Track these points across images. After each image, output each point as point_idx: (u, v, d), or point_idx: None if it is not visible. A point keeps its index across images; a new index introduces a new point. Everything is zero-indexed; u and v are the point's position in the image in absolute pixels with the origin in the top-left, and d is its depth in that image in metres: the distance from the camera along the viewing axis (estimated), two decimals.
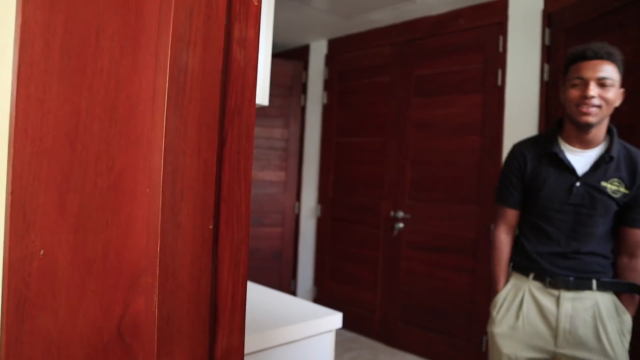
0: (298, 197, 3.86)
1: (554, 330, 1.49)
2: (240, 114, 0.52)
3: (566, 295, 1.49)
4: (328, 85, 3.70)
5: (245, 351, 1.09)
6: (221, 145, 0.50)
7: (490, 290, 2.68)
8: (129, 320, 0.46)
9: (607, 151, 1.47)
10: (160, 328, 0.46)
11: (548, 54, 2.48)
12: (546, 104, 2.47)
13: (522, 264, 1.60)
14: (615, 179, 1.46)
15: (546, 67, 2.48)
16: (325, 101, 3.72)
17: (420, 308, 3.06)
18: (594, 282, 1.47)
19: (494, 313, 1.62)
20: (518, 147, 1.65)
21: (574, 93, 1.46)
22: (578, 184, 1.48)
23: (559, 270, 1.50)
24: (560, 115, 2.26)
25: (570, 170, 1.50)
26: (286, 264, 3.82)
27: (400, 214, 3.15)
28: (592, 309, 1.47)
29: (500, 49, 2.71)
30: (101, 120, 0.44)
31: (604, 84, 1.41)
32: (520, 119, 2.60)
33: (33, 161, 0.40)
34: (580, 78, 1.44)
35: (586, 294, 1.48)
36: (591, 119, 1.43)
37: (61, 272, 0.42)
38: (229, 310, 0.52)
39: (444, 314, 2.93)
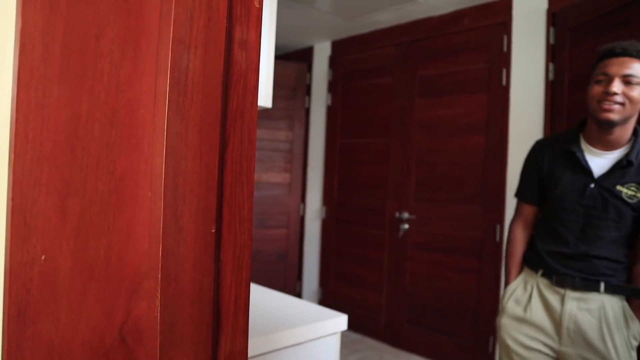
0: (303, 198, 3.86)
1: (558, 328, 1.48)
2: (242, 116, 0.52)
3: (571, 295, 1.47)
4: (332, 86, 3.70)
5: (251, 354, 1.08)
6: (223, 148, 0.50)
7: (495, 291, 2.67)
8: (131, 325, 0.46)
9: (627, 155, 1.42)
10: (162, 332, 0.46)
11: (553, 53, 2.47)
12: (551, 104, 2.45)
13: (532, 259, 1.61)
14: (633, 184, 1.41)
15: (551, 66, 2.46)
16: (329, 102, 3.71)
17: (425, 309, 3.05)
18: (602, 285, 1.45)
19: (503, 303, 1.63)
20: (538, 144, 1.65)
21: (597, 89, 1.42)
22: (592, 185, 1.45)
23: (566, 270, 1.49)
24: (568, 114, 2.23)
25: (586, 171, 1.47)
26: (291, 266, 3.82)
27: (405, 214, 3.14)
28: (598, 311, 1.44)
29: (505, 49, 2.70)
30: (102, 124, 0.43)
31: (629, 81, 1.36)
32: (525, 118, 2.59)
33: (34, 166, 0.39)
34: (605, 74, 1.40)
35: (593, 295, 1.46)
36: (612, 116, 1.38)
37: (62, 277, 0.41)
38: (232, 314, 0.52)
39: (450, 315, 2.92)
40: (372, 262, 3.37)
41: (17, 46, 0.39)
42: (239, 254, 0.52)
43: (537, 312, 1.53)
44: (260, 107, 1.11)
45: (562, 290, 1.49)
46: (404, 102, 3.21)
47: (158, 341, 0.45)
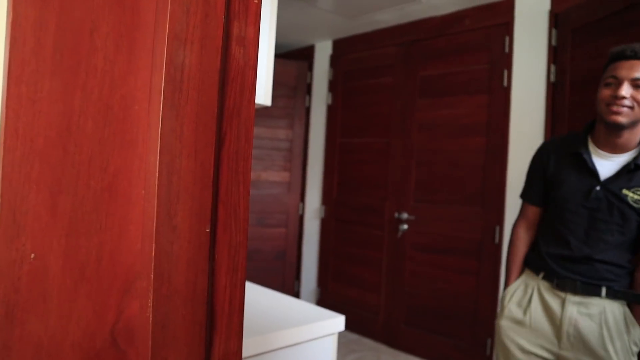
0: (302, 197, 3.85)
1: (558, 332, 1.47)
2: (239, 114, 0.51)
3: (572, 299, 1.46)
4: (333, 85, 3.69)
5: (247, 354, 1.08)
6: (219, 147, 0.49)
7: (494, 293, 2.66)
8: (122, 325, 0.45)
9: (635, 159, 1.40)
10: (155, 333, 0.45)
11: (554, 54, 2.46)
12: (552, 105, 2.44)
13: (534, 261, 1.60)
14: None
15: (553, 68, 2.45)
16: (329, 102, 3.70)
17: (424, 310, 3.04)
18: (604, 290, 1.43)
19: (503, 304, 1.62)
20: (545, 145, 1.64)
21: (606, 92, 1.41)
22: (598, 188, 1.43)
23: (567, 273, 1.48)
24: (569, 116, 2.23)
25: (593, 173, 1.45)
26: (290, 265, 3.81)
27: (405, 215, 3.13)
28: (599, 316, 1.43)
29: (506, 50, 2.69)
30: (95, 120, 0.43)
31: (639, 85, 1.35)
32: (526, 120, 2.58)
33: (24, 162, 0.39)
34: (615, 77, 1.39)
35: (594, 300, 1.44)
36: (621, 119, 1.37)
37: (52, 276, 0.40)
38: (226, 315, 0.51)
39: (448, 316, 2.91)
40: (370, 262, 3.36)
41: (7, 39, 0.38)
42: (234, 254, 0.51)
43: (537, 316, 1.52)
44: (260, 104, 1.10)
45: (562, 294, 1.48)
46: (404, 102, 3.20)
47: (150, 342, 0.44)
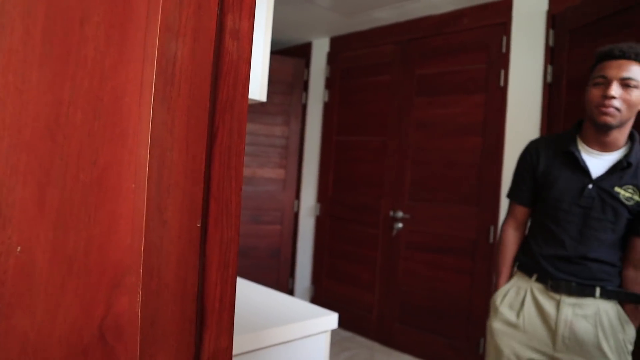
0: (297, 195, 3.84)
1: (553, 334, 1.47)
2: (232, 108, 0.50)
3: (567, 301, 1.46)
4: (330, 83, 3.68)
5: (239, 351, 1.07)
6: (211, 141, 0.48)
7: (488, 292, 2.67)
8: (111, 320, 0.44)
9: (626, 157, 1.42)
10: (143, 329, 0.44)
11: (551, 55, 2.46)
12: (549, 106, 2.44)
13: (526, 264, 1.58)
14: (630, 186, 1.41)
15: (549, 68, 2.45)
16: (326, 99, 3.69)
17: (417, 308, 3.04)
18: (598, 290, 1.44)
19: (495, 306, 1.60)
20: (533, 144, 1.63)
21: (595, 92, 1.41)
22: (590, 186, 1.44)
23: (561, 274, 1.48)
24: (564, 117, 2.23)
25: (584, 171, 1.46)
26: (284, 262, 3.80)
27: (400, 213, 3.13)
28: (594, 317, 1.43)
29: (504, 50, 2.69)
30: (84, 112, 0.42)
31: (627, 84, 1.35)
32: (522, 120, 2.58)
33: (10, 154, 0.38)
34: (603, 77, 1.39)
35: (588, 301, 1.44)
36: (610, 120, 1.37)
37: (39, 270, 0.40)
38: (216, 311, 0.50)
39: (442, 315, 2.91)
40: (365, 260, 3.36)
41: None
42: (226, 250, 0.51)
43: (531, 319, 1.52)
44: (255, 100, 1.09)
45: (557, 296, 1.48)
46: (401, 101, 3.19)
47: (139, 338, 0.44)
